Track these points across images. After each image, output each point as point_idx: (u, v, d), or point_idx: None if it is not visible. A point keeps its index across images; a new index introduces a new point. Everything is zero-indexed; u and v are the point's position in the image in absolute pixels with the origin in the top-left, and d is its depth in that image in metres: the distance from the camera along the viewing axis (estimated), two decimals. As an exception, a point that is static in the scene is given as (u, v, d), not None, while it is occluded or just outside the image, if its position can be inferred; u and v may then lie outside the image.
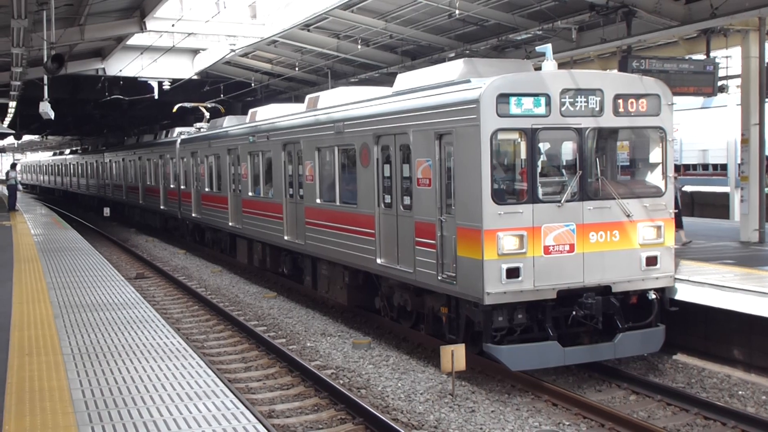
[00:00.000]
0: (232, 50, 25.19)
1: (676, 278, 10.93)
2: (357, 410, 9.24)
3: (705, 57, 15.87)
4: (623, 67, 14.51)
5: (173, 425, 5.86)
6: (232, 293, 17.96)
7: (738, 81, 16.89)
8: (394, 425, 8.58)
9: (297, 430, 9.03)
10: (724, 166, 31.87)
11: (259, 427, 5.80)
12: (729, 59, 18.28)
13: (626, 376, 10.66)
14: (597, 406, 9.34)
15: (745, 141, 15.72)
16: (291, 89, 30.58)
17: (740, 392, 10.13)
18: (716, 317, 10.90)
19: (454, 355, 9.77)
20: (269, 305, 16.31)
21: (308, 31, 21.88)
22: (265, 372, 11.47)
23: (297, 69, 26.39)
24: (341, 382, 10.66)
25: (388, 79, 22.55)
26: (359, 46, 21.99)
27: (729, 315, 10.55)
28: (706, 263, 12.51)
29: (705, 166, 38.34)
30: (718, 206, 27.65)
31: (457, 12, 17.29)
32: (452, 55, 20.08)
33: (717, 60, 16.08)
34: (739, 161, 16.24)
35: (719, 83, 16.02)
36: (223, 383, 7.18)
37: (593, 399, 9.74)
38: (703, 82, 15.41)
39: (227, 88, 29.95)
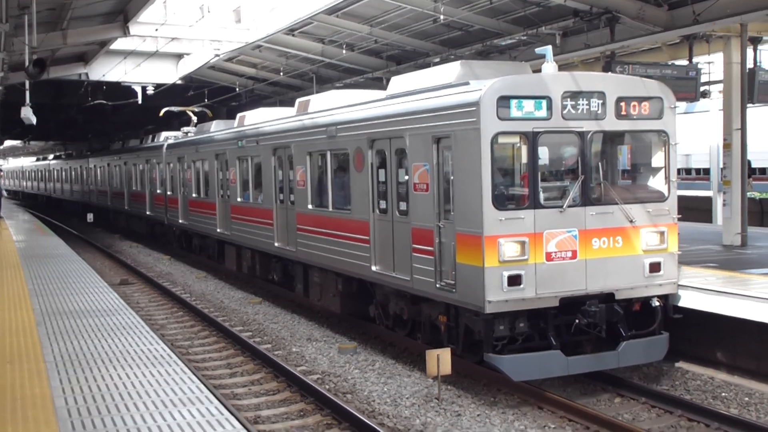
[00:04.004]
0: (217, 55, 25.16)
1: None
2: (343, 415, 9.22)
3: (687, 63, 16.01)
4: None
5: (157, 432, 5.83)
6: (217, 299, 17.89)
7: (720, 86, 17.05)
8: (380, 429, 8.58)
9: (282, 436, 9.01)
10: (706, 171, 32.15)
11: (245, 433, 5.78)
12: (711, 65, 18.48)
13: (611, 379, 10.69)
14: (582, 409, 9.37)
15: (727, 146, 15.86)
16: (276, 94, 30.55)
17: (723, 394, 10.19)
18: (699, 320, 10.96)
19: (440, 359, 9.76)
20: (255, 311, 16.25)
21: (293, 35, 21.87)
22: (250, 378, 11.42)
23: (282, 74, 26.37)
24: (327, 387, 10.63)
25: (373, 84, 22.60)
26: (344, 51, 22.00)
27: (712, 318, 10.61)
28: (689, 267, 12.59)
29: (688, 171, 38.70)
30: (701, 210, 27.83)
31: (441, 17, 17.34)
32: (437, 60, 20.11)
33: (699, 66, 16.23)
34: (721, 166, 16.38)
35: (702, 89, 16.20)
36: (208, 389, 7.15)
37: (578, 402, 9.76)
38: (686, 88, 15.53)
39: (212, 93, 29.87)
